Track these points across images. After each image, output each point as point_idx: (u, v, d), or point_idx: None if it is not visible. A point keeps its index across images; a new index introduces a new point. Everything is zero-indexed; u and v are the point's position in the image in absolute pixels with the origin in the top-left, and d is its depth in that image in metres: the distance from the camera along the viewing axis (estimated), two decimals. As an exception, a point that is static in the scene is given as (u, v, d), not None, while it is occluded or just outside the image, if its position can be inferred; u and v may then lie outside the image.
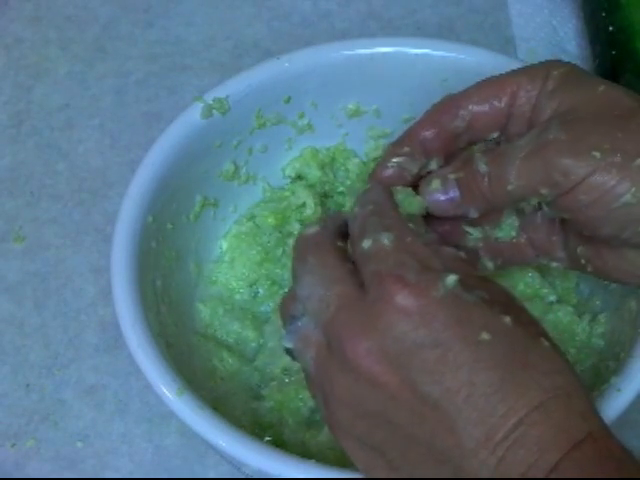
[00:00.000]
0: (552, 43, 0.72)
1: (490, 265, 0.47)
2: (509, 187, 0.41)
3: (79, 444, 0.56)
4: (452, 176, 0.44)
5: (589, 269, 0.45)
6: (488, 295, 0.38)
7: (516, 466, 0.34)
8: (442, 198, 0.44)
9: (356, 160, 0.59)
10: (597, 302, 0.53)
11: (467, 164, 0.43)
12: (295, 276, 0.41)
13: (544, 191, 0.40)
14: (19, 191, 0.66)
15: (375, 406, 0.37)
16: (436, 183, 0.44)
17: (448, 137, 0.45)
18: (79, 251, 0.63)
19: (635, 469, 0.35)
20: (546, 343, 0.37)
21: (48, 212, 0.65)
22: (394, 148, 0.46)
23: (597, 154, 0.39)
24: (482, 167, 0.42)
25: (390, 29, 0.73)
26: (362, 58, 0.55)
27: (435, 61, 0.54)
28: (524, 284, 0.53)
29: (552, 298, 0.53)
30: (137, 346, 0.45)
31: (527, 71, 0.44)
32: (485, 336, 0.35)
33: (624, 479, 0.34)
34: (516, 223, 0.47)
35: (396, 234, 0.38)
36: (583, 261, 0.45)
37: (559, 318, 0.52)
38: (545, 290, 0.53)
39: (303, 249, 0.41)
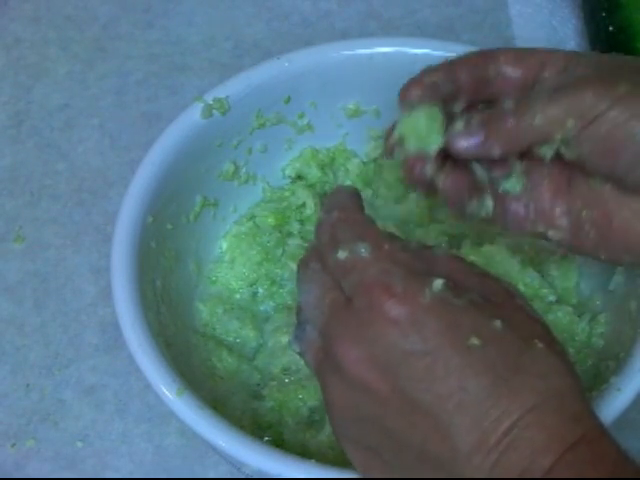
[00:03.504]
0: (552, 43, 0.72)
1: (490, 205, 0.46)
2: (536, 120, 0.41)
3: (79, 444, 0.56)
4: (477, 117, 0.43)
5: (591, 235, 0.44)
6: (481, 296, 0.37)
7: (510, 470, 0.34)
8: (465, 136, 0.43)
9: (356, 160, 0.59)
10: (597, 302, 0.53)
11: (492, 106, 0.44)
12: (297, 282, 0.41)
13: (570, 123, 0.41)
14: (19, 191, 0.66)
15: (368, 411, 0.37)
16: (459, 124, 0.44)
17: (480, 81, 0.45)
18: (79, 251, 0.63)
19: (631, 471, 0.35)
20: (540, 345, 0.36)
21: (48, 212, 0.65)
22: (428, 71, 0.46)
23: (621, 88, 0.40)
24: (508, 104, 0.43)
25: (390, 29, 0.73)
26: (362, 58, 0.55)
27: (435, 61, 0.54)
28: (524, 284, 0.53)
29: (552, 298, 0.53)
30: (137, 346, 0.45)
31: (557, 56, 0.44)
32: (475, 341, 0.35)
33: None
34: (524, 180, 0.46)
35: (372, 243, 0.38)
36: (587, 227, 0.44)
37: (559, 318, 0.52)
38: (545, 290, 0.53)
39: (308, 255, 0.41)
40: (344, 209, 0.41)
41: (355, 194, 0.42)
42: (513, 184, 0.46)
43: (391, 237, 0.40)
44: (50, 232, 0.64)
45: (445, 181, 0.45)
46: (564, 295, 0.54)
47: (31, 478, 0.55)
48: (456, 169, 0.45)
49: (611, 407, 0.42)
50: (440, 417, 0.35)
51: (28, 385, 0.58)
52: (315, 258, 0.40)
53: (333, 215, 0.40)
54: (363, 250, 0.38)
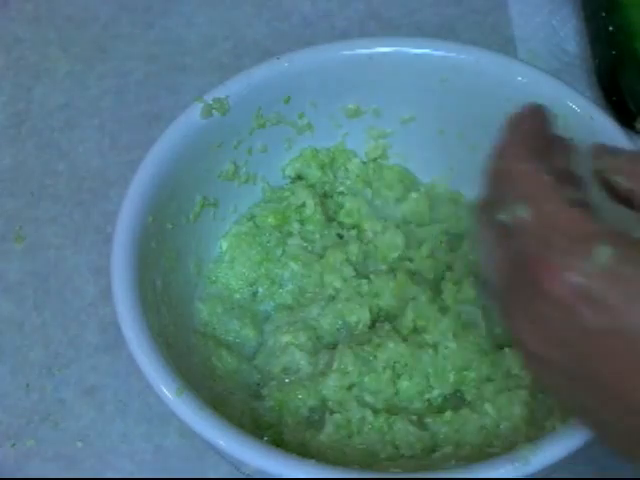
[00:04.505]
0: (552, 43, 0.72)
1: None
2: None
3: (79, 444, 0.56)
4: None
5: None
6: None
7: None
8: None
9: (356, 160, 0.59)
10: (597, 302, 0.53)
11: None
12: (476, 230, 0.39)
13: None
14: (19, 191, 0.66)
15: (567, 334, 0.34)
16: None
17: None
18: (79, 251, 0.63)
19: None
20: None
21: (48, 212, 0.65)
22: None
23: None
24: None
25: (390, 29, 0.73)
26: (362, 58, 0.55)
27: (435, 61, 0.54)
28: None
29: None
30: (137, 346, 0.45)
31: None
32: None
33: None
34: None
35: (534, 204, 0.35)
36: None
37: (559, 318, 0.52)
38: (545, 290, 0.53)
39: (482, 203, 0.38)
40: (512, 154, 0.37)
41: (538, 117, 0.39)
42: None
43: (561, 187, 0.36)
44: (50, 232, 0.64)
45: None
46: (564, 295, 0.54)
47: (31, 478, 0.55)
48: None
49: (611, 407, 0.42)
50: None
51: (28, 385, 0.58)
52: (487, 208, 0.38)
53: (498, 165, 0.37)
54: (523, 213, 0.35)
